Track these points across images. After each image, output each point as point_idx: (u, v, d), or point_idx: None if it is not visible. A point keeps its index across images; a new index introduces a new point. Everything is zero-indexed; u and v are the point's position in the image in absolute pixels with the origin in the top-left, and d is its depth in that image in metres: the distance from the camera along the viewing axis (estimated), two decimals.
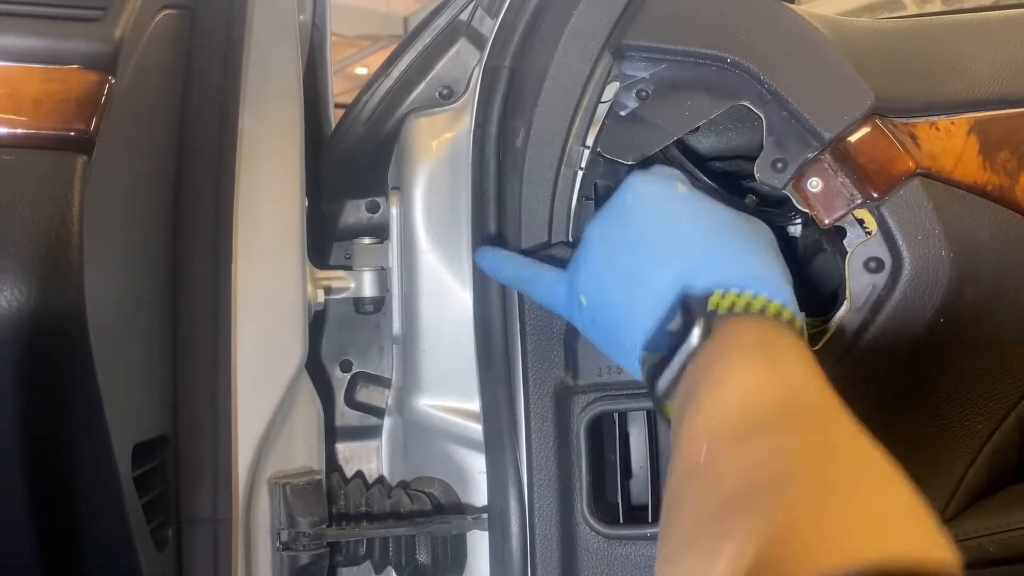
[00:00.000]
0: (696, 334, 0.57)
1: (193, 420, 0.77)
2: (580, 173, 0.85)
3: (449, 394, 0.92)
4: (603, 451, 0.86)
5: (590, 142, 0.85)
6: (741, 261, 0.61)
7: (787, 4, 0.84)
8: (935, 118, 0.81)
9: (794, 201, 0.81)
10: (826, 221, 0.80)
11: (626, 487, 0.86)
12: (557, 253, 0.84)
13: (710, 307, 0.57)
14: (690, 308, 0.58)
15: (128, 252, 0.71)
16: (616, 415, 0.84)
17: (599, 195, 0.85)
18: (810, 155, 0.79)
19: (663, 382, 0.59)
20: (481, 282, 0.87)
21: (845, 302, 0.79)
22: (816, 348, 0.79)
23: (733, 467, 0.49)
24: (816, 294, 0.90)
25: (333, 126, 1.07)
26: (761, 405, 0.52)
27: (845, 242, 0.80)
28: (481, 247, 0.84)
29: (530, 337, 0.84)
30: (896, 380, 0.79)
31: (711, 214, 0.65)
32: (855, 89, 0.78)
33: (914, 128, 0.80)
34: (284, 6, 0.87)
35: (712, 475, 0.49)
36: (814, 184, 0.79)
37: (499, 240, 0.86)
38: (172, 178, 0.77)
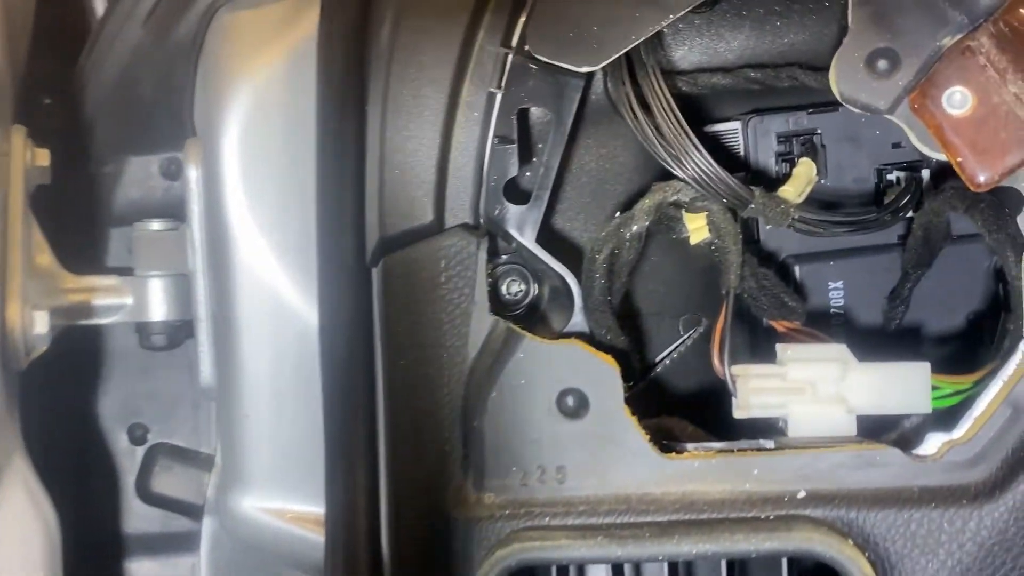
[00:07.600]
0: None
1: None
2: (498, 95, 0.60)
3: (285, 489, 0.68)
4: None
5: (513, 40, 0.60)
6: None
7: None
8: None
9: (912, 138, 0.54)
10: (981, 178, 0.54)
11: None
12: (454, 243, 0.60)
13: None
14: None
15: None
16: (553, 571, 0.55)
17: (525, 136, 0.62)
18: (947, 40, 0.52)
19: None
20: (330, 296, 0.61)
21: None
22: (959, 439, 0.52)
23: None
24: (949, 323, 0.65)
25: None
26: None
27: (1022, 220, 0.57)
28: None
29: (403, 398, 0.62)
30: None
31: None
32: None
33: None
34: None
35: None
36: (958, 99, 0.54)
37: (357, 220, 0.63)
38: None
